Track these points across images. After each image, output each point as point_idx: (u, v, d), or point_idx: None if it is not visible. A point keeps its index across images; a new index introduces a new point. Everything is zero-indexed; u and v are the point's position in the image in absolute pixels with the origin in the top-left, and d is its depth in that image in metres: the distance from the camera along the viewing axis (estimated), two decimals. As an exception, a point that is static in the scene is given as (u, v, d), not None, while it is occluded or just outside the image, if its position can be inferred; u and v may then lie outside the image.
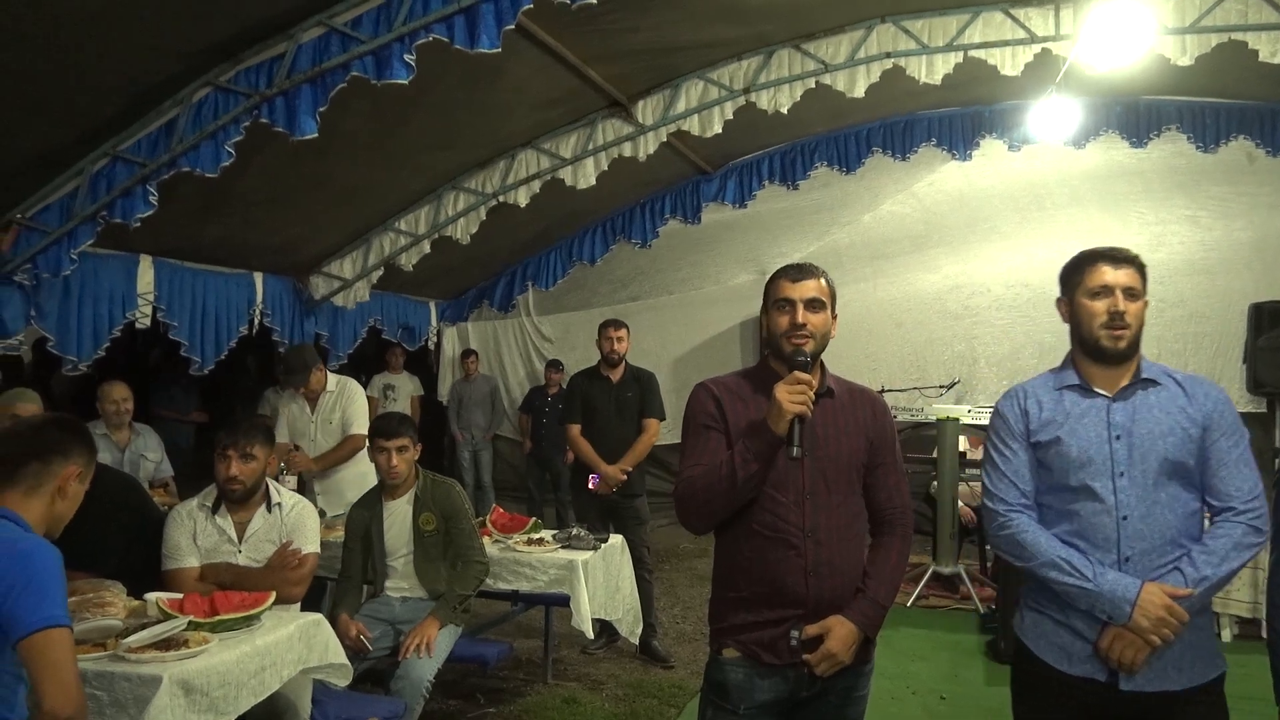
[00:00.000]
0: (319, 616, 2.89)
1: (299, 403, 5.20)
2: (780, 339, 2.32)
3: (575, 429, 5.46)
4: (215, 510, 3.33)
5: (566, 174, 6.93)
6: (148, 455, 5.63)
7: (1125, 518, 2.17)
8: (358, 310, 7.89)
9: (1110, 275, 2.25)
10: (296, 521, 3.35)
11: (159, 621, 2.52)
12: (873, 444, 2.36)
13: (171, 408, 8.91)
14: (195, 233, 5.93)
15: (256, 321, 7.00)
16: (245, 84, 4.60)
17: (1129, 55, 4.75)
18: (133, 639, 2.37)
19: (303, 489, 5.06)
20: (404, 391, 9.26)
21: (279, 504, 3.37)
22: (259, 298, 6.99)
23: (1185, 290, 7.98)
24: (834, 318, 2.38)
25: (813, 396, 2.16)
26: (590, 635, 4.43)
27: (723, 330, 9.32)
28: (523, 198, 7.05)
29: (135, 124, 4.76)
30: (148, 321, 6.11)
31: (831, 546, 2.25)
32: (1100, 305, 2.24)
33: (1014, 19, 5.98)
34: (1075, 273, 2.33)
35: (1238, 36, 5.55)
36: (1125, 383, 2.26)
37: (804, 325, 2.28)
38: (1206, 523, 2.26)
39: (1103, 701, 2.20)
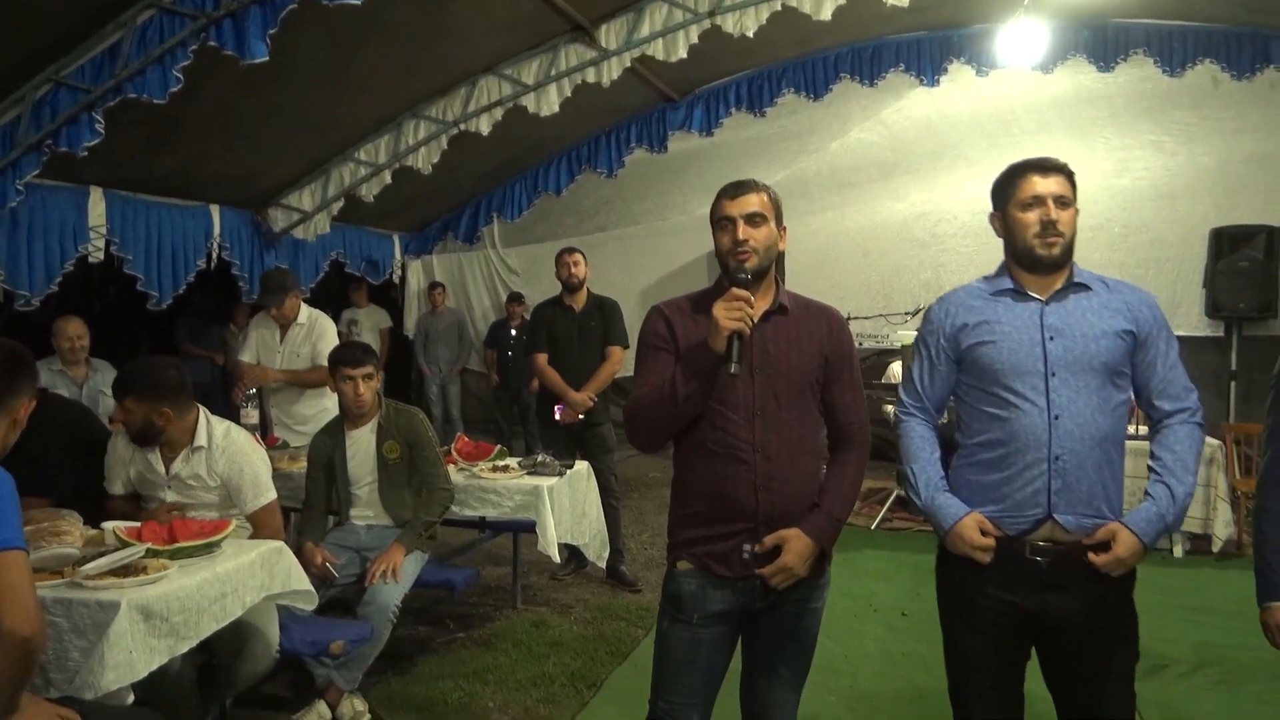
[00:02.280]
0: (280, 544, 2.89)
1: (271, 329, 5.12)
2: (725, 256, 2.31)
3: (542, 358, 5.45)
4: (143, 445, 3.27)
5: (530, 101, 6.81)
6: (105, 391, 5.55)
7: (1057, 417, 2.21)
8: (319, 243, 7.78)
9: (1040, 185, 2.26)
10: (230, 474, 3.22)
11: (116, 550, 2.52)
12: (828, 360, 2.35)
13: (200, 345, 8.81)
14: (147, 163, 5.79)
15: (215, 255, 6.89)
16: (191, 5, 4.46)
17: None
18: (90, 566, 2.36)
19: (264, 423, 5.03)
20: (367, 325, 9.19)
21: (203, 448, 3.25)
22: (216, 230, 6.88)
23: (1148, 215, 8.03)
24: (782, 230, 2.36)
25: (750, 313, 2.14)
26: (557, 559, 4.48)
27: (690, 260, 9.28)
28: (485, 126, 6.93)
29: (77, 48, 4.62)
30: (101, 255, 6.00)
31: (782, 462, 2.26)
32: (1032, 216, 2.26)
33: (982, -63, 5.90)
34: (1006, 186, 2.34)
35: (1206, -44, 5.52)
36: (1059, 287, 2.29)
37: (745, 241, 2.26)
38: (1130, 425, 2.31)
39: (1012, 558, 2.24)
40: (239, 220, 7.07)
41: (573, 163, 8.85)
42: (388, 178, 7.18)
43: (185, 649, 2.44)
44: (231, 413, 4.17)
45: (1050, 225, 2.24)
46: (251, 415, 4.71)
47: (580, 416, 5.25)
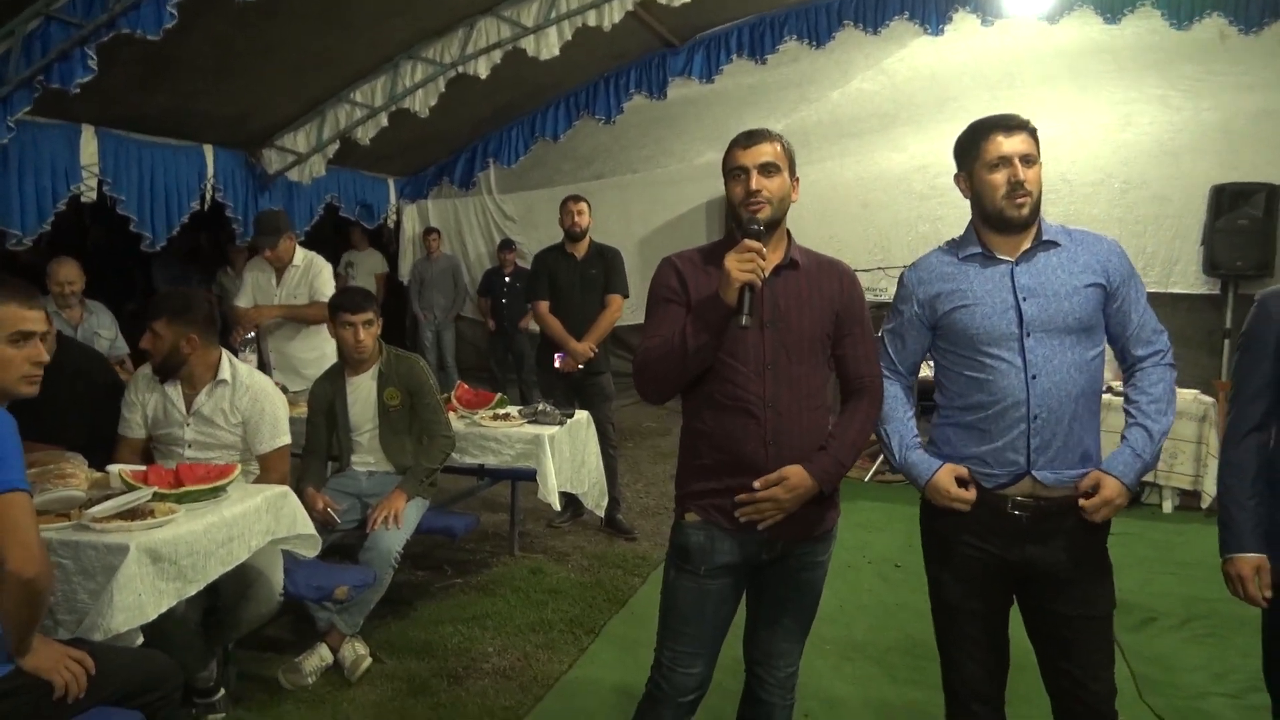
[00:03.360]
0: (286, 489, 2.89)
1: (266, 273, 5.07)
2: (738, 207, 2.28)
3: (543, 306, 5.42)
4: (165, 379, 3.27)
5: (529, 44, 6.68)
6: (101, 333, 5.52)
7: (1034, 377, 2.23)
8: (314, 186, 7.68)
9: (1006, 145, 2.24)
10: (252, 412, 3.23)
11: (123, 493, 2.51)
12: (839, 316, 2.34)
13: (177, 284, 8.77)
14: (140, 102, 5.68)
15: (209, 196, 6.80)
16: (187, -61, 4.34)
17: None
18: (97, 509, 2.35)
19: (263, 367, 5.00)
20: (365, 268, 9.13)
21: (226, 382, 3.26)
22: (210, 171, 6.77)
23: (1150, 172, 7.98)
24: (795, 181, 2.34)
25: (763, 265, 2.12)
26: (557, 507, 4.51)
27: (688, 210, 9.22)
28: (483, 69, 6.81)
29: (68, -19, 4.49)
30: (94, 195, 5.91)
31: (792, 417, 2.26)
32: (1000, 176, 2.25)
33: (994, -118, 5.77)
34: (970, 146, 2.33)
35: (1220, -95, 5.41)
36: (1027, 247, 2.29)
37: (758, 191, 2.24)
38: (1106, 371, 2.34)
39: (994, 512, 2.28)
40: (233, 161, 6.97)
41: (570, 108, 8.71)
42: (384, 120, 7.07)
43: (193, 592, 2.46)
44: None
45: (1018, 185, 2.23)
46: (250, 359, 4.69)
47: (580, 366, 5.24)
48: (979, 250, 2.32)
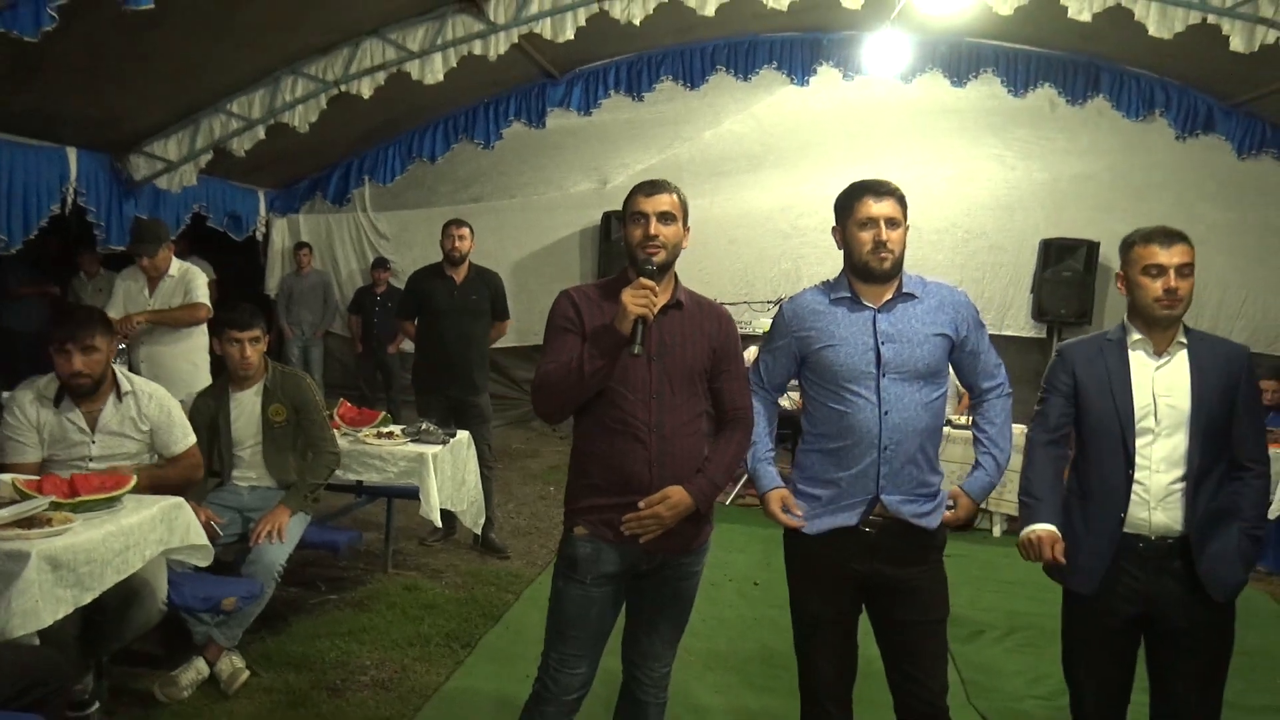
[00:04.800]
0: (180, 500, 2.92)
1: (138, 282, 4.98)
2: (635, 249, 2.54)
3: (409, 326, 5.53)
4: (58, 403, 3.22)
5: (414, 68, 6.76)
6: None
7: (887, 413, 2.56)
8: (182, 195, 7.48)
9: (875, 208, 2.59)
10: (160, 418, 3.27)
11: (16, 502, 2.51)
12: (716, 352, 2.62)
13: (30, 283, 8.32)
14: (4, 100, 5.47)
15: (70, 200, 6.56)
16: (72, -58, 4.27)
17: (961, 3, 5.10)
18: (-9, 517, 2.36)
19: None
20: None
21: (130, 392, 3.29)
22: (73, 175, 6.53)
23: (987, 223, 8.72)
24: (686, 230, 2.62)
25: (654, 301, 2.38)
26: (439, 524, 4.62)
27: (563, 237, 9.44)
28: (366, 89, 6.84)
29: (-61, -25, 4.34)
30: (-56, 194, 5.64)
31: (674, 441, 2.51)
32: (867, 235, 2.58)
33: (859, -46, 6.26)
34: (846, 205, 2.67)
35: (1051, -8, 6.07)
36: (889, 297, 2.64)
37: (655, 237, 2.52)
38: (949, 407, 2.74)
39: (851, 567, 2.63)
40: (96, 165, 6.73)
41: (449, 131, 8.78)
42: (261, 133, 6.98)
43: (89, 599, 2.48)
44: None
45: (881, 244, 2.57)
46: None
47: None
48: (848, 295, 2.64)
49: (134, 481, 2.80)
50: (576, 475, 2.59)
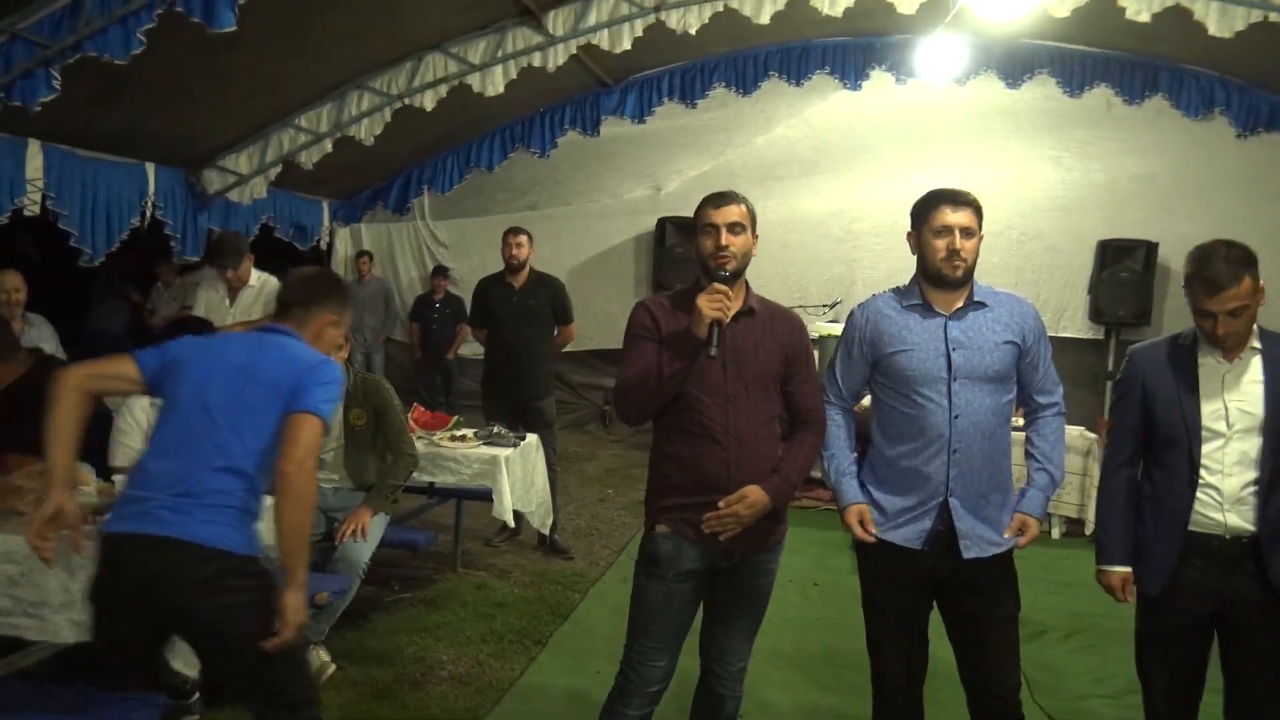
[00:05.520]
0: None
1: (219, 293, 5.19)
2: (708, 259, 2.65)
3: (480, 333, 5.68)
4: None
5: (475, 80, 6.96)
6: (43, 346, 5.52)
7: (957, 416, 2.63)
8: (252, 207, 7.76)
9: (951, 217, 2.66)
10: None
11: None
12: (788, 357, 2.72)
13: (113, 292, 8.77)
14: (92, 119, 5.73)
15: (149, 214, 6.84)
16: (160, -31, 4.50)
17: (1020, 8, 5.14)
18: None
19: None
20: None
21: None
22: (151, 189, 6.81)
23: (1044, 225, 8.68)
24: (754, 238, 2.72)
25: (729, 305, 2.49)
26: (511, 525, 4.76)
27: (617, 243, 9.56)
28: (429, 101, 7.06)
29: (36, 1, 4.59)
30: (37, 209, 5.92)
31: (750, 443, 2.61)
32: (942, 243, 2.66)
33: (914, -40, 6.32)
34: (923, 212, 2.73)
35: (1110, -7, 6.07)
36: (960, 305, 2.71)
37: (726, 247, 2.62)
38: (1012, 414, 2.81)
39: (923, 564, 2.71)
40: (173, 180, 7.01)
41: (506, 140, 8.99)
42: (328, 146, 7.22)
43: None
44: None
45: (955, 253, 2.64)
46: None
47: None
48: (919, 302, 2.72)
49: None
50: (657, 475, 2.70)
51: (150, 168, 6.77)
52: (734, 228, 2.63)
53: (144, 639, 2.54)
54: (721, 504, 2.55)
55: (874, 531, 2.72)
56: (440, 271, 9.30)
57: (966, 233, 2.65)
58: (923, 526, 2.68)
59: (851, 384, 2.85)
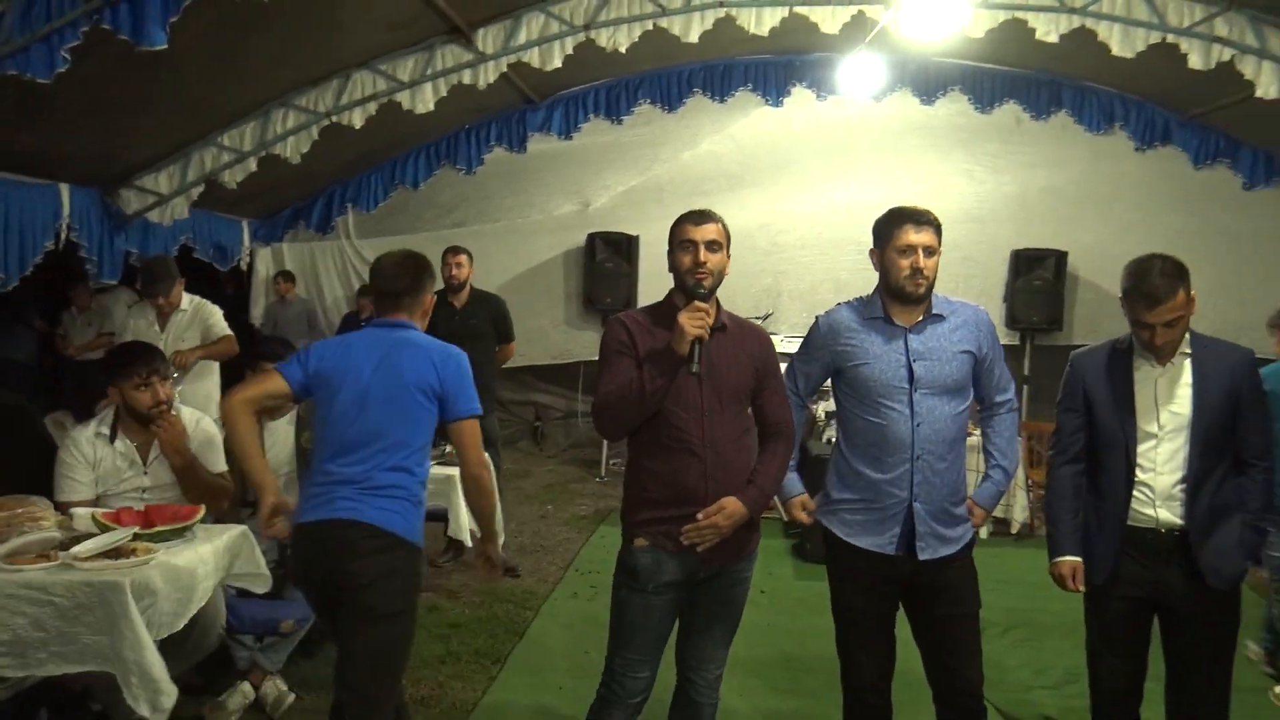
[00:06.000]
0: (244, 528, 3.02)
1: (148, 319, 5.04)
2: (684, 275, 2.71)
3: None
4: (113, 438, 3.32)
5: (405, 97, 6.90)
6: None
7: (920, 425, 2.76)
8: (171, 228, 7.52)
9: (914, 236, 2.81)
10: (203, 439, 3.39)
11: (95, 534, 2.60)
12: (759, 370, 2.80)
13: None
14: (7, 140, 5.51)
15: (63, 236, 6.58)
16: (85, -16, 4.36)
17: (943, 30, 5.36)
18: (81, 548, 2.45)
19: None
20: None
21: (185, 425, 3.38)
22: (66, 211, 6.56)
23: (959, 236, 8.96)
24: (728, 257, 2.79)
25: (709, 323, 2.56)
26: (469, 544, 4.72)
27: (546, 259, 9.56)
28: (358, 119, 6.96)
29: (-48, 19, 4.40)
30: (-55, 234, 5.66)
31: (726, 455, 2.68)
32: (906, 262, 2.80)
33: (837, -19, 6.54)
34: (886, 230, 2.88)
35: (1020, 15, 6.37)
36: (920, 318, 2.84)
37: (704, 264, 2.69)
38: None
39: (889, 566, 2.84)
40: (88, 200, 6.75)
41: (431, 157, 8.90)
42: (253, 165, 7.06)
43: (180, 626, 2.57)
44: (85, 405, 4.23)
45: (919, 271, 2.79)
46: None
47: None
48: (881, 316, 2.83)
49: (203, 511, 2.90)
50: (634, 489, 2.75)
51: (64, 189, 6.51)
52: (712, 245, 2.70)
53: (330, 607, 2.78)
54: (700, 516, 2.61)
55: (812, 510, 2.96)
56: (366, 291, 9.15)
57: (929, 251, 2.78)
58: (890, 531, 2.79)
59: (808, 385, 3.00)
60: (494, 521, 3.12)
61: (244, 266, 9.19)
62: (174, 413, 3.38)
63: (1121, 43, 6.35)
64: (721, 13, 6.67)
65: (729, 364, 2.72)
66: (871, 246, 2.92)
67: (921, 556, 2.78)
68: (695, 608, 2.79)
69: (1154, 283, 2.71)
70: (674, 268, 2.76)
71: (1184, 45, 6.25)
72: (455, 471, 4.55)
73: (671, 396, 2.61)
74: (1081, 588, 2.91)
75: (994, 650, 4.67)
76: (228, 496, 3.53)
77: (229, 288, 9.86)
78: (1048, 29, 6.37)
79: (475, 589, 5.28)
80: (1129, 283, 2.78)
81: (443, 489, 4.47)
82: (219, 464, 3.54)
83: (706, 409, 2.65)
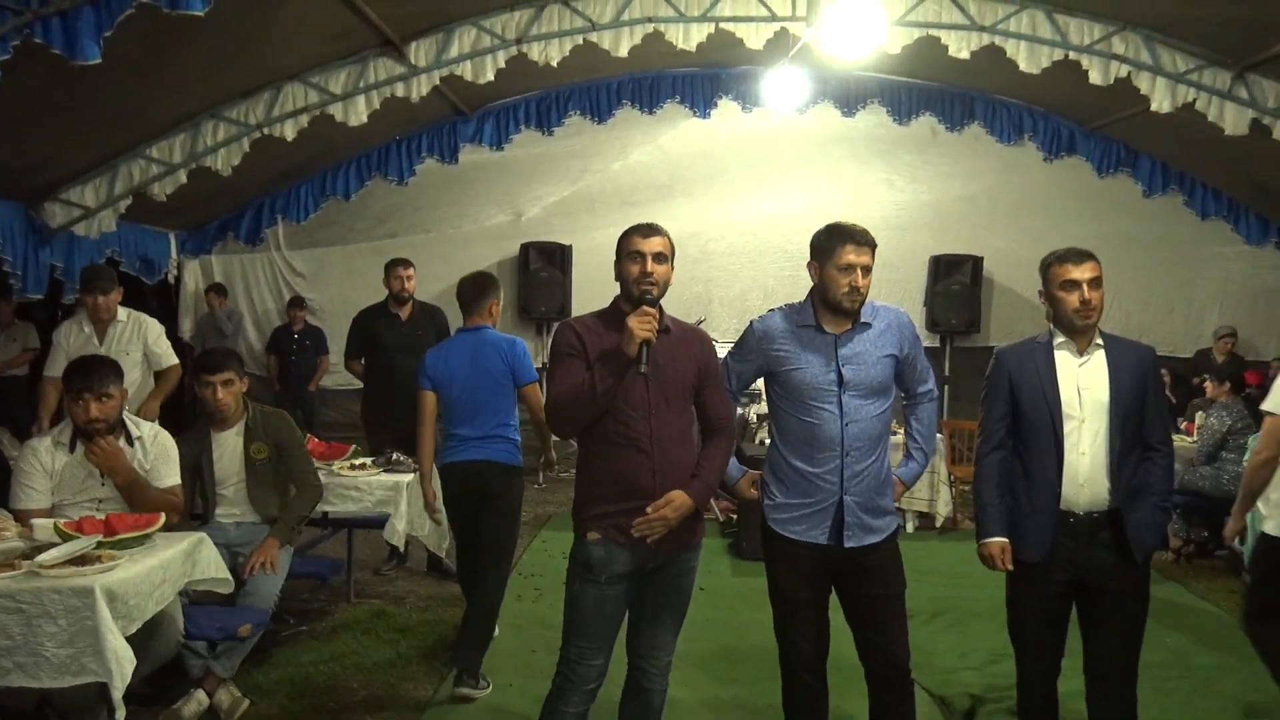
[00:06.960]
0: (203, 535, 3.07)
1: (84, 332, 4.99)
2: (631, 284, 2.87)
3: (357, 365, 5.68)
4: (73, 448, 3.32)
5: (337, 110, 6.92)
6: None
7: (848, 423, 2.97)
8: (98, 241, 7.40)
9: (854, 257, 2.99)
10: (160, 453, 3.42)
11: (61, 543, 2.63)
12: (701, 370, 2.97)
13: None
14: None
15: (-15, 251, 6.45)
16: (13, -1, 4.34)
17: (861, 49, 5.63)
18: (46, 557, 2.49)
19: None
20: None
21: (139, 437, 3.41)
22: (-13, 225, 6.44)
23: (880, 243, 8.88)
24: (672, 268, 2.96)
25: (656, 326, 2.72)
26: (401, 548, 4.79)
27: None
28: (290, 131, 6.96)
29: (-126, 31, 4.34)
30: None
31: (672, 451, 2.84)
32: (845, 280, 2.98)
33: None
34: (827, 246, 3.05)
35: (934, 33, 6.71)
36: (849, 326, 3.04)
37: (651, 274, 2.85)
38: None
39: (822, 554, 3.02)
40: (11, 214, 6.62)
41: (362, 168, 8.89)
42: (183, 177, 7.00)
43: (135, 629, 2.62)
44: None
45: (856, 289, 2.98)
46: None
47: None
48: (813, 323, 3.02)
49: (163, 519, 2.94)
50: (586, 486, 2.89)
51: (-15, 202, 6.40)
52: (659, 257, 2.87)
53: (474, 522, 4.20)
54: (650, 509, 2.76)
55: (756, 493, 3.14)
56: (298, 302, 9.13)
57: (866, 270, 2.98)
58: (823, 523, 2.98)
59: (740, 380, 3.21)
60: (551, 447, 4.57)
61: (171, 279, 9.05)
62: (117, 434, 3.39)
63: (1028, 59, 6.73)
64: (650, 28, 6.85)
65: (674, 365, 2.88)
66: (810, 259, 3.10)
67: (847, 544, 2.97)
68: (645, 597, 2.94)
69: (1074, 249, 3.04)
70: (621, 277, 2.91)
71: (1085, 62, 6.66)
72: (402, 478, 4.63)
73: (621, 396, 2.76)
74: (1010, 566, 3.12)
75: (921, 636, 4.91)
76: (177, 512, 3.52)
77: (153, 301, 9.68)
78: (960, 46, 6.72)
79: (421, 594, 5.35)
80: (1049, 260, 3.07)
81: (390, 495, 4.54)
82: (172, 477, 3.56)
83: (654, 407, 2.81)
